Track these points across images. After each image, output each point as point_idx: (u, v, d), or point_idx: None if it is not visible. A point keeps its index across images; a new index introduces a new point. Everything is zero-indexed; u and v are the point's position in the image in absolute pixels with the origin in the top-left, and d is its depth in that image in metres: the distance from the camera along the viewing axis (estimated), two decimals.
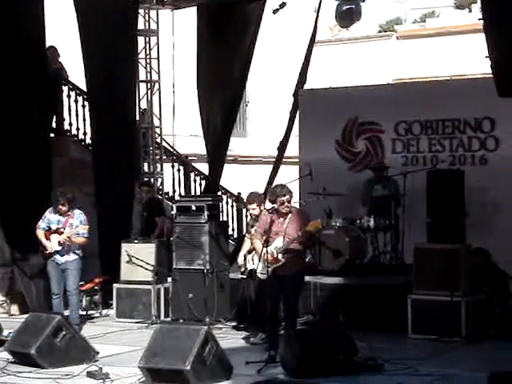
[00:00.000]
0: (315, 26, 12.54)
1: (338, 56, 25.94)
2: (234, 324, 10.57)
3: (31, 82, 11.74)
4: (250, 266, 9.70)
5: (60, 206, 10.30)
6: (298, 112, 13.46)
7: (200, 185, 15.41)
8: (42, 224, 10.43)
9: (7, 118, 11.65)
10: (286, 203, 8.73)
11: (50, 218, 10.43)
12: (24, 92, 11.61)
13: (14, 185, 11.68)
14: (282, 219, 8.78)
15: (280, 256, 8.66)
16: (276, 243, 8.69)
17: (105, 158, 12.70)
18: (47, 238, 10.36)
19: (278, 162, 13.47)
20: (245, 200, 10.35)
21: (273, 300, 8.76)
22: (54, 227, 10.35)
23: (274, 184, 12.07)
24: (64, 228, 10.31)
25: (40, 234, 10.41)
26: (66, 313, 10.33)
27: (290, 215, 8.77)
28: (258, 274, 8.95)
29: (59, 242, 10.25)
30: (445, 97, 12.57)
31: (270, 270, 8.67)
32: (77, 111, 13.89)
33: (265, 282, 8.87)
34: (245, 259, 9.83)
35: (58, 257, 10.33)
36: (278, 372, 8.07)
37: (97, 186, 12.56)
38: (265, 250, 8.68)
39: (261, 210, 9.77)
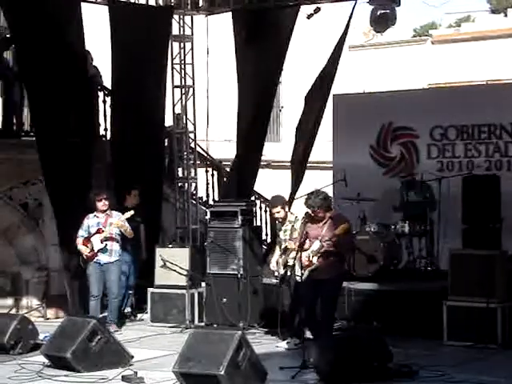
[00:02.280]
0: (346, 30, 12.49)
1: (373, 61, 25.85)
2: (268, 329, 10.55)
3: (73, 86, 11.80)
4: (281, 271, 9.70)
5: (104, 201, 10.48)
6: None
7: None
8: (80, 232, 10.64)
9: (49, 122, 11.73)
10: (317, 210, 8.77)
11: (88, 223, 10.62)
12: (65, 95, 11.69)
13: (58, 188, 11.75)
14: (321, 223, 8.82)
15: (314, 259, 8.68)
16: (313, 247, 8.73)
17: (131, 162, 12.71)
18: (87, 242, 10.51)
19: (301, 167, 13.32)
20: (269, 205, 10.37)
21: (307, 304, 8.77)
22: (93, 230, 10.55)
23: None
24: (104, 227, 10.50)
25: (80, 241, 10.60)
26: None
27: (329, 220, 8.80)
28: (297, 278, 8.97)
29: (101, 239, 10.43)
30: (480, 102, 12.47)
31: (305, 273, 8.69)
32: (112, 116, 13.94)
33: (300, 285, 8.89)
34: (277, 264, 9.82)
35: (100, 256, 10.55)
36: (312, 378, 8.04)
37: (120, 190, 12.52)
38: (300, 253, 8.71)
39: (285, 212, 9.80)
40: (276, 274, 9.85)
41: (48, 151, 11.66)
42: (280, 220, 9.90)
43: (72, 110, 11.84)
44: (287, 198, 10.97)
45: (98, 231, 10.60)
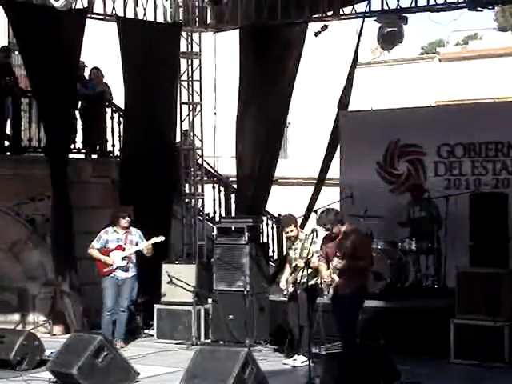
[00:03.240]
0: (357, 49, 12.52)
1: (380, 78, 25.88)
2: (274, 347, 10.52)
3: (62, 101, 11.87)
4: (291, 290, 9.70)
5: (127, 219, 10.63)
6: (337, 134, 13.40)
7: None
8: (96, 244, 10.75)
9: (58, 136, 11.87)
10: (329, 226, 8.87)
11: (107, 237, 10.74)
12: (54, 110, 11.76)
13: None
14: (337, 239, 8.93)
15: (335, 276, 8.79)
16: (333, 263, 8.82)
17: (141, 179, 12.76)
18: (106, 255, 10.66)
19: (319, 184, 13.40)
20: (280, 224, 10.40)
21: (337, 320, 8.88)
22: (112, 245, 10.66)
23: (314, 207, 12.14)
24: (125, 244, 10.59)
25: (95, 252, 10.67)
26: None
27: (342, 236, 8.89)
28: (324, 297, 9.12)
29: (122, 257, 10.51)
30: (488, 119, 12.46)
31: (330, 291, 8.80)
32: (120, 133, 14.01)
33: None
34: (287, 283, 9.82)
35: (119, 273, 10.68)
36: None
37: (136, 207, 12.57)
38: (324, 272, 8.93)
39: (298, 230, 9.82)
40: (285, 292, 9.83)
41: (58, 166, 11.73)
42: (292, 239, 9.90)
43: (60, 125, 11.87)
44: (301, 215, 11.01)
45: (119, 248, 10.69)
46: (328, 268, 9.01)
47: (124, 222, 10.78)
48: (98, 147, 13.73)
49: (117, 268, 10.72)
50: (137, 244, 10.89)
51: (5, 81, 12.59)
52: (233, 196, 15.46)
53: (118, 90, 13.42)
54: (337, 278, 8.87)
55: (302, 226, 13.50)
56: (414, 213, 11.84)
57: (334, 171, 14.05)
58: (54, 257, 12.00)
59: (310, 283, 9.40)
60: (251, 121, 13.44)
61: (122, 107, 13.77)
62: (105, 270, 10.76)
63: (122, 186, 12.88)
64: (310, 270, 9.43)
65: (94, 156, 13.63)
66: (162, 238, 10.79)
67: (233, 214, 14.98)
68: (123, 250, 10.72)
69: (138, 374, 8.84)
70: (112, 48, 13.16)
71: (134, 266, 10.85)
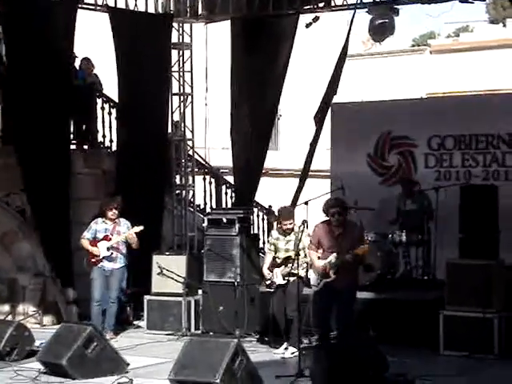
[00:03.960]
0: (347, 40, 12.50)
1: (371, 70, 25.90)
2: (258, 337, 10.55)
3: (55, 92, 11.81)
4: (277, 281, 9.70)
5: (114, 211, 10.65)
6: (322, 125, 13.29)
7: (231, 197, 15.43)
8: (87, 234, 10.79)
9: (30, 128, 11.75)
10: (336, 215, 8.81)
11: (96, 228, 10.77)
12: (47, 102, 11.69)
13: (39, 198, 11.83)
14: (336, 232, 8.85)
15: (331, 272, 8.73)
16: (330, 258, 8.77)
17: (134, 170, 12.77)
18: (94, 245, 10.64)
19: (304, 176, 13.32)
20: (278, 216, 10.35)
21: (322, 313, 8.83)
22: (100, 236, 10.69)
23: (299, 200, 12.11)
24: (112, 234, 10.60)
25: (85, 242, 10.73)
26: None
27: (343, 230, 8.84)
28: (312, 287, 9.00)
29: (108, 247, 10.51)
30: (478, 112, 12.49)
31: (321, 283, 8.76)
32: (110, 123, 13.99)
33: (316, 293, 8.91)
34: (271, 272, 9.83)
35: (105, 263, 10.68)
36: None
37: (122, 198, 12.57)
38: (317, 262, 8.80)
39: (294, 224, 9.81)
40: (268, 282, 9.85)
41: (29, 160, 11.67)
42: (288, 231, 9.87)
43: (55, 116, 11.79)
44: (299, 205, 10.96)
45: (105, 238, 10.69)
46: (319, 258, 8.97)
47: (111, 214, 10.76)
48: (89, 138, 13.69)
49: (103, 258, 10.71)
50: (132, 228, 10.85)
51: None
52: (223, 187, 15.47)
53: (109, 80, 13.39)
54: (333, 275, 8.82)
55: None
56: (405, 205, 11.85)
57: (325, 163, 14.05)
58: (45, 247, 11.96)
59: (301, 275, 9.38)
60: (242, 112, 13.41)
61: (113, 98, 13.75)
62: (92, 260, 10.77)
63: (117, 177, 12.86)
64: (304, 263, 9.43)
65: (85, 147, 13.60)
66: (140, 228, 10.74)
67: (223, 206, 15.01)
68: (109, 240, 10.72)
69: (128, 364, 8.84)
70: (102, 38, 13.15)
71: (122, 256, 10.83)
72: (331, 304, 8.96)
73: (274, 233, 10.17)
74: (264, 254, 13.87)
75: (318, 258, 9.00)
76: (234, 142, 13.52)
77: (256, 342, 10.41)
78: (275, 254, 9.89)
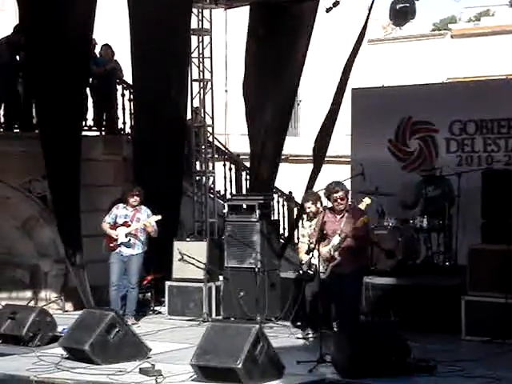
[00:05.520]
0: (365, 25, 12.42)
1: (392, 55, 25.74)
2: (286, 323, 10.51)
3: (74, 79, 11.82)
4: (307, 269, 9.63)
5: (136, 197, 10.71)
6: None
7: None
8: (107, 219, 10.92)
9: (49, 114, 11.75)
10: (339, 200, 8.75)
11: (117, 213, 10.87)
12: (67, 89, 11.70)
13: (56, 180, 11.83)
14: (338, 217, 8.79)
15: (336, 254, 8.68)
16: (333, 241, 8.73)
17: (153, 157, 12.77)
18: (114, 229, 10.80)
19: (318, 161, 13.25)
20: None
21: (334, 298, 8.79)
22: (120, 221, 10.79)
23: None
24: (132, 221, 10.67)
25: (105, 226, 10.80)
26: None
27: (346, 213, 8.78)
28: (320, 274, 8.95)
29: (126, 234, 10.58)
30: (500, 96, 12.38)
31: (328, 268, 8.69)
32: (131, 110, 14.01)
33: (324, 281, 8.86)
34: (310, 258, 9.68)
35: (123, 249, 10.75)
36: (330, 372, 8.03)
37: (147, 185, 12.58)
38: (321, 248, 8.70)
39: (317, 208, 9.77)
40: (305, 267, 9.65)
41: (50, 146, 11.66)
42: (310, 215, 9.84)
43: (71, 103, 11.78)
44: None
45: (125, 224, 10.76)
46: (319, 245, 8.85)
47: (132, 200, 10.85)
48: (108, 125, 13.72)
49: (121, 244, 10.76)
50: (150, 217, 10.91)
51: (16, 59, 12.61)
52: (243, 173, 15.46)
53: (129, 67, 13.39)
54: (338, 257, 8.77)
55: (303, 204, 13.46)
56: (425, 191, 11.78)
57: (345, 149, 14.00)
58: (61, 235, 11.98)
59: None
60: (260, 98, 13.38)
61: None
62: (110, 244, 10.85)
63: (135, 163, 12.88)
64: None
65: (105, 134, 13.63)
66: (159, 217, 10.79)
67: (244, 192, 15.01)
68: (128, 226, 10.78)
69: (150, 350, 8.87)
70: (122, 25, 13.12)
71: (140, 243, 10.86)
72: (340, 289, 8.87)
73: (305, 219, 10.14)
74: (284, 240, 13.93)
75: (322, 244, 8.87)
76: (250, 128, 13.48)
77: (277, 328, 10.39)
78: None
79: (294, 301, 10.17)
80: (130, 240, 10.78)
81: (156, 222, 10.83)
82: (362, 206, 8.84)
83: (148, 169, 12.73)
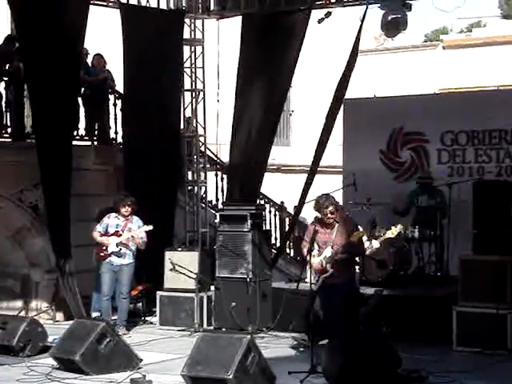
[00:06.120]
0: (358, 36, 12.44)
1: (383, 65, 25.80)
2: (277, 333, 10.50)
3: (66, 88, 11.81)
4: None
5: (127, 207, 10.67)
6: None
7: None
8: (98, 227, 10.92)
9: (39, 121, 11.74)
10: (330, 214, 8.75)
11: (108, 222, 10.85)
12: (58, 98, 11.69)
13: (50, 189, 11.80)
14: (329, 229, 8.78)
15: (328, 266, 8.67)
16: (325, 253, 8.72)
17: (145, 166, 12.75)
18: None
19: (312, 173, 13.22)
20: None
21: (321, 310, 8.76)
22: (112, 231, 10.76)
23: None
24: (123, 231, 10.65)
25: (96, 235, 10.80)
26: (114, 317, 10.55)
27: (337, 224, 8.77)
28: (312, 285, 8.92)
29: (117, 243, 10.56)
30: (491, 107, 12.45)
31: (319, 279, 8.69)
32: (122, 120, 13.98)
33: (315, 292, 8.84)
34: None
35: (113, 258, 10.74)
36: (321, 382, 8.03)
37: (131, 192, 12.52)
38: (313, 260, 8.70)
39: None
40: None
41: (48, 154, 11.65)
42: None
43: (61, 111, 11.77)
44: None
45: (116, 234, 10.74)
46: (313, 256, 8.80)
47: (124, 210, 10.82)
48: (100, 134, 13.71)
49: (111, 253, 10.74)
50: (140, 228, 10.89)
51: (6, 68, 12.60)
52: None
53: (121, 76, 13.38)
54: (330, 269, 8.76)
55: (297, 214, 13.44)
56: (418, 201, 11.80)
57: (337, 159, 14.01)
58: (53, 244, 11.96)
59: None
60: (248, 107, 13.37)
61: None
62: (100, 254, 10.83)
63: (127, 173, 12.86)
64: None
65: (97, 143, 13.61)
66: (150, 227, 10.77)
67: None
68: (119, 236, 10.76)
69: (141, 360, 8.85)
70: (114, 34, 13.13)
71: (131, 253, 10.84)
72: (331, 299, 8.86)
73: None
74: (275, 250, 13.89)
75: (313, 255, 8.82)
76: (235, 136, 13.46)
77: (269, 338, 10.37)
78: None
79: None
80: (120, 249, 10.77)
81: (147, 232, 10.81)
82: (354, 238, 8.72)
83: (139, 177, 12.71)
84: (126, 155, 13.06)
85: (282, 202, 16.05)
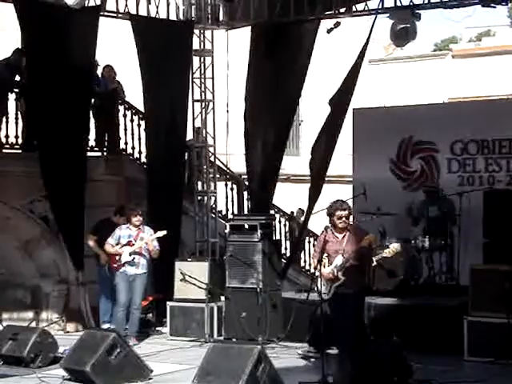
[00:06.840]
0: (365, 45, 12.45)
1: (393, 75, 25.81)
2: (287, 343, 10.47)
3: (76, 100, 11.86)
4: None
5: (138, 217, 10.70)
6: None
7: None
8: (110, 240, 10.90)
9: (52, 135, 11.79)
10: (344, 218, 8.70)
11: (120, 233, 10.88)
12: (68, 109, 11.72)
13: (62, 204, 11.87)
14: (340, 237, 8.73)
15: (340, 274, 8.63)
16: (336, 261, 8.68)
17: (159, 177, 12.83)
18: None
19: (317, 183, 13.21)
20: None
21: (337, 319, 8.72)
22: (124, 241, 10.74)
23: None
24: (135, 240, 10.67)
25: (108, 247, 10.82)
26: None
27: (348, 233, 8.74)
28: (323, 295, 8.88)
29: (130, 252, 10.57)
30: (501, 116, 12.41)
31: (331, 289, 8.66)
32: (132, 130, 14.05)
33: (327, 301, 8.81)
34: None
35: (127, 268, 10.76)
36: None
37: (149, 205, 12.65)
38: (323, 269, 8.67)
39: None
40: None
41: (51, 167, 11.72)
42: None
43: (74, 124, 11.82)
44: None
45: (129, 244, 10.77)
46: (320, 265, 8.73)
47: (135, 220, 10.85)
48: (110, 145, 13.75)
49: (125, 263, 10.76)
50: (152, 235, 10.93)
51: (16, 80, 12.66)
52: (245, 193, 15.46)
53: (131, 87, 13.43)
54: (342, 277, 8.73)
55: (305, 224, 13.46)
56: (428, 211, 11.77)
57: (347, 168, 14.00)
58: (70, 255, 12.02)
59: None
60: (259, 118, 13.41)
61: (136, 105, 13.79)
62: (114, 265, 10.85)
63: (148, 186, 12.90)
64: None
65: (107, 154, 13.65)
66: (164, 233, 10.81)
67: (245, 212, 14.99)
68: (132, 246, 10.79)
69: (151, 371, 8.85)
70: (124, 46, 13.20)
71: (145, 262, 10.87)
72: (343, 309, 8.82)
73: None
74: (285, 260, 13.90)
75: (324, 265, 8.80)
76: (248, 147, 13.50)
77: (279, 349, 10.35)
78: None
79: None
80: (134, 259, 10.78)
81: (159, 240, 10.84)
82: (364, 243, 8.68)
83: (151, 189, 12.78)
84: (148, 168, 13.17)
85: (292, 212, 16.04)
